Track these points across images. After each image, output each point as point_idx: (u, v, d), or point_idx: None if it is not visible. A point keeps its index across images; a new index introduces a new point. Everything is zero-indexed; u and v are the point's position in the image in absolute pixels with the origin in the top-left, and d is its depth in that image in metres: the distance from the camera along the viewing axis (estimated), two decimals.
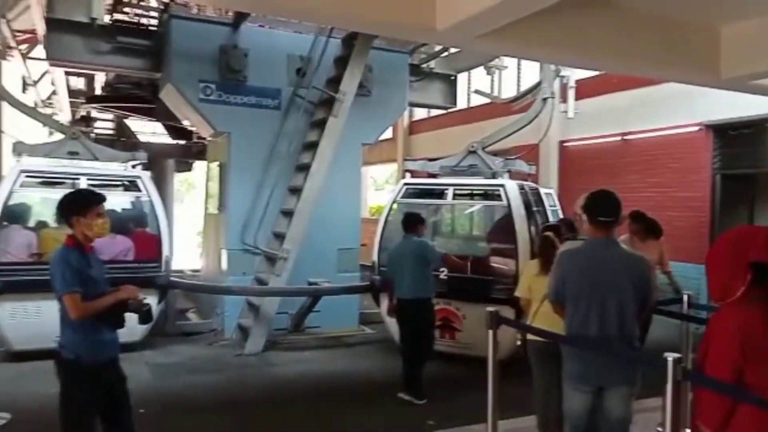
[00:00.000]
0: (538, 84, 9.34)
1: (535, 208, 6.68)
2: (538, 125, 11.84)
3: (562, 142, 11.71)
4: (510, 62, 11.49)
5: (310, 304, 7.37)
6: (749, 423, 2.13)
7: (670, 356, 2.61)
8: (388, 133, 18.45)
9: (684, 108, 9.06)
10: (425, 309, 5.54)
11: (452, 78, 10.21)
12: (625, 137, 10.32)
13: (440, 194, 7.11)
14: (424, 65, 9.78)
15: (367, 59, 7.85)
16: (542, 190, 7.43)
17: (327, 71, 7.98)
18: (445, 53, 9.81)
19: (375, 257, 7.13)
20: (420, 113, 17.78)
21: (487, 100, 12.58)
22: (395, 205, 7.34)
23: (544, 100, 7.30)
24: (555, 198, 7.59)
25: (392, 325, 6.75)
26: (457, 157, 7.33)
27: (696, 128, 9.13)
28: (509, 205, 6.35)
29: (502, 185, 6.58)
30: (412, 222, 5.74)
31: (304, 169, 7.51)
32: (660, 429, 3.60)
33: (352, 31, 7.59)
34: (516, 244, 6.18)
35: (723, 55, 5.53)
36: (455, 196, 7.03)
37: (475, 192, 7.30)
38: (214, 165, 8.46)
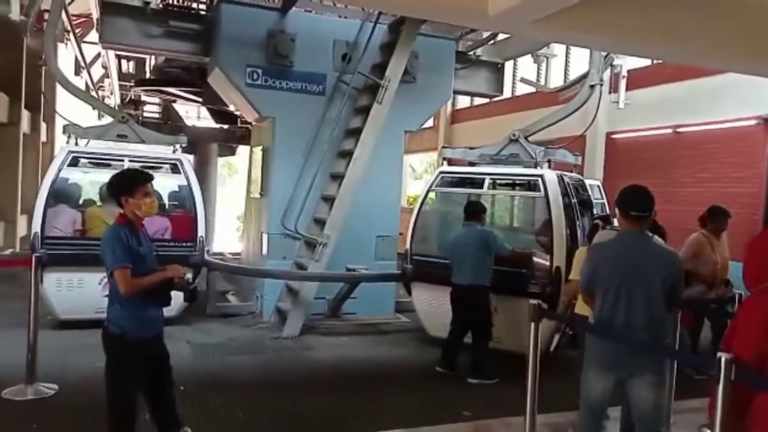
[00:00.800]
0: (587, 73, 9.14)
1: (575, 200, 6.42)
2: (585, 115, 11.65)
3: (610, 133, 11.40)
4: (559, 51, 11.21)
5: (347, 290, 7.39)
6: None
7: (724, 356, 2.51)
8: (429, 122, 18.38)
9: (741, 100, 8.71)
10: (482, 296, 5.72)
11: (499, 66, 10.01)
12: (677, 130, 9.97)
13: (477, 184, 6.94)
14: (471, 53, 9.61)
15: (413, 46, 7.78)
16: (588, 182, 7.21)
17: (373, 57, 7.93)
18: (492, 41, 9.61)
19: (408, 245, 7.07)
20: (463, 102, 17.58)
21: (532, 89, 12.33)
22: (432, 194, 7.25)
23: (592, 87, 7.00)
24: (601, 190, 7.37)
25: (426, 316, 6.81)
26: (498, 146, 7.15)
27: (754, 122, 8.75)
28: (546, 196, 6.11)
29: (540, 175, 6.33)
30: (474, 210, 5.93)
31: (347, 155, 7.50)
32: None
33: (400, 17, 7.52)
34: (552, 236, 5.97)
35: None
36: (492, 185, 6.87)
37: (513, 182, 7.10)
38: (258, 149, 8.53)
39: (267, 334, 7.06)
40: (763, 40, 5.08)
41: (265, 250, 7.90)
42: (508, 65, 13.44)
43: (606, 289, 3.24)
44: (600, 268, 3.32)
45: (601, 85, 6.95)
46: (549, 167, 6.70)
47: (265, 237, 7.93)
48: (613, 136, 11.36)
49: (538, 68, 12.31)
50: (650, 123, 10.43)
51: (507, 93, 14.52)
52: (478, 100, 16.28)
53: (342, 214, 7.30)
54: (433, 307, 6.59)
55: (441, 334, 6.10)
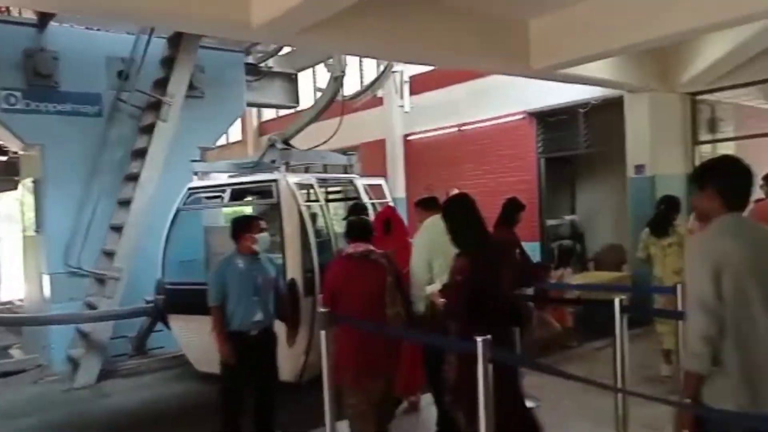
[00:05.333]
0: (376, 80, 9.56)
1: (322, 203, 5.95)
2: (386, 120, 12.26)
3: (406, 135, 12.07)
4: (352, 60, 11.57)
5: (148, 324, 6.83)
6: None
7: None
8: (237, 135, 17.94)
9: (510, 98, 9.72)
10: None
11: (293, 76, 10.05)
12: (461, 128, 10.86)
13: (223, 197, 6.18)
14: (262, 64, 9.52)
15: (198, 59, 7.46)
16: (362, 182, 6.68)
17: (154, 73, 7.45)
18: (283, 51, 9.62)
19: (160, 273, 6.27)
20: (270, 113, 17.41)
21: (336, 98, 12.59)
22: (183, 214, 6.35)
23: (335, 79, 6.83)
24: (385, 189, 7.11)
25: (190, 349, 6.19)
26: (258, 153, 6.77)
27: (521, 116, 9.84)
28: (279, 202, 5.49)
29: (275, 180, 5.67)
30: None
31: (134, 179, 6.94)
32: None
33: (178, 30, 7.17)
34: (283, 242, 5.38)
35: (532, 46, 5.95)
36: (236, 196, 6.14)
37: (253, 190, 6.34)
38: (28, 181, 7.55)
39: (58, 388, 6.26)
40: (504, 44, 5.77)
41: (47, 293, 7.00)
42: (309, 75, 13.68)
43: None
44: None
45: (343, 75, 6.84)
46: (287, 170, 6.04)
47: (46, 278, 7.03)
48: (409, 138, 12.05)
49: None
50: (439, 123, 11.23)
51: (310, 102, 14.75)
52: (284, 111, 16.22)
53: (133, 243, 6.73)
54: (195, 339, 5.89)
55: (209, 369, 5.33)
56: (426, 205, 4.52)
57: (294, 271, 5.25)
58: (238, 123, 16.41)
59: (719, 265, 2.21)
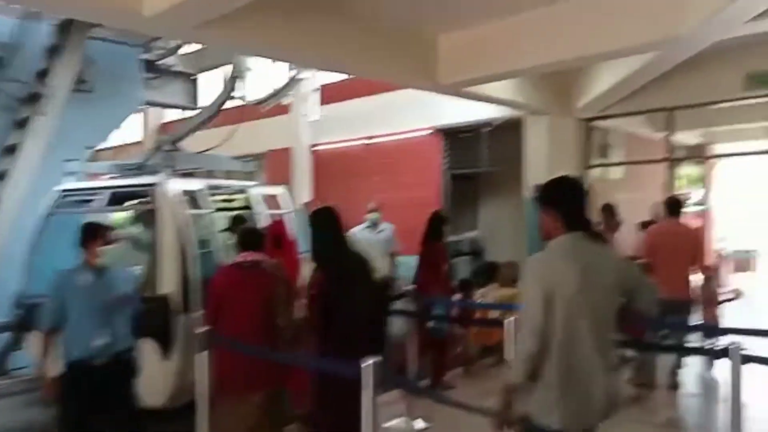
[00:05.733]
0: (284, 86, 9.31)
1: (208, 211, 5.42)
2: (292, 129, 11.96)
3: (313, 145, 11.86)
4: (261, 63, 11.23)
5: (11, 342, 6.08)
6: None
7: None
8: (139, 135, 16.88)
9: (418, 113, 9.80)
10: None
11: (192, 77, 9.58)
12: (369, 141, 10.83)
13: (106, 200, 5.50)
14: (162, 62, 8.99)
15: (90, 50, 6.90)
16: (259, 191, 6.19)
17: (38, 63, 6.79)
18: (184, 50, 9.15)
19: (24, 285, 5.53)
20: (175, 114, 16.56)
21: (241, 103, 12.17)
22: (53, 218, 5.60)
23: (233, 78, 6.67)
24: (285, 199, 6.54)
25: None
26: (144, 155, 6.33)
27: (428, 132, 9.96)
28: (155, 209, 4.93)
29: (154, 184, 5.09)
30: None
31: (2, 177, 6.25)
32: None
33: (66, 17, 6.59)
34: (158, 252, 4.77)
35: (440, 62, 6.01)
36: (113, 201, 5.50)
37: (134, 194, 5.67)
38: None
39: None
40: (412, 58, 5.77)
41: None
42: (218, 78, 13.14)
43: None
44: None
45: (242, 78, 6.57)
46: (172, 174, 5.60)
47: None
48: (316, 148, 11.85)
49: (243, 81, 12.23)
50: (347, 135, 11.13)
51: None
52: (191, 112, 15.48)
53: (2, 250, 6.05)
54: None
55: None
56: None
57: (169, 285, 4.64)
58: (139, 123, 15.54)
59: (551, 285, 2.31)
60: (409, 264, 8.71)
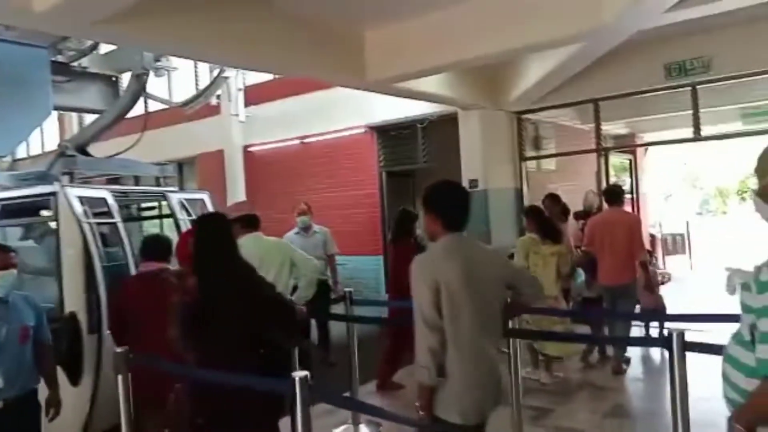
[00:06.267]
0: (208, 87, 8.94)
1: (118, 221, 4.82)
2: (224, 130, 11.55)
3: (247, 146, 11.50)
4: (185, 64, 10.77)
5: None
6: None
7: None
8: (54, 143, 15.96)
9: (351, 111, 9.62)
10: None
11: (114, 79, 9.04)
12: (304, 140, 10.57)
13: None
14: (76, 63, 8.43)
15: None
16: (179, 196, 5.61)
17: None
18: (94, 50, 8.61)
19: None
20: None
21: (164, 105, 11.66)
22: None
23: (137, 77, 6.23)
24: (209, 204, 5.97)
25: None
26: (47, 163, 5.68)
27: (362, 130, 9.79)
28: (57, 219, 4.41)
29: (51, 194, 4.50)
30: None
31: None
32: None
33: None
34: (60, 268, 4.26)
35: (368, 58, 5.86)
36: (8, 214, 4.93)
37: (32, 206, 4.94)
38: None
39: None
40: (339, 54, 5.58)
41: None
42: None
43: None
44: None
45: (146, 73, 6.16)
46: (71, 181, 4.99)
47: None
48: (250, 149, 11.50)
49: (168, 82, 11.74)
50: (282, 135, 10.83)
51: (143, 108, 13.57)
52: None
53: None
54: None
55: None
56: (246, 223, 4.13)
57: (75, 302, 4.16)
58: (54, 130, 14.69)
59: (437, 283, 2.44)
60: (361, 264, 8.49)
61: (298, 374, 2.39)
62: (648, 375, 5.93)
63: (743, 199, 26.39)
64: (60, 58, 8.15)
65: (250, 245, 3.84)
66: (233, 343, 2.75)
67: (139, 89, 5.87)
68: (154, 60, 9.33)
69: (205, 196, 5.44)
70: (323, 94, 9.75)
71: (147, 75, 5.95)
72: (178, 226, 4.95)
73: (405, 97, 7.17)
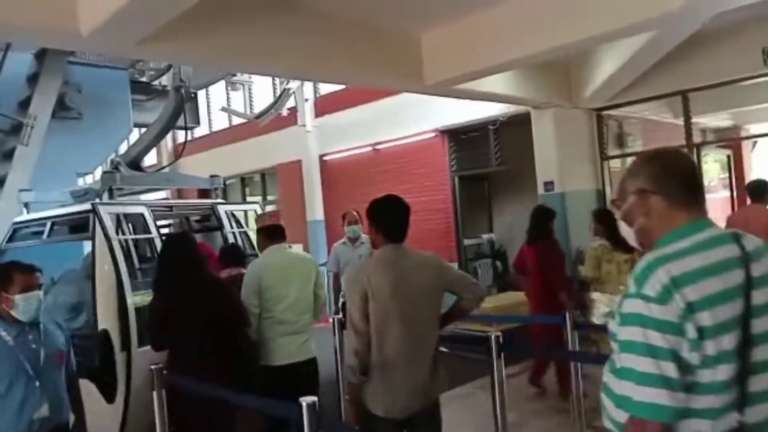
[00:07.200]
0: (279, 97, 9.10)
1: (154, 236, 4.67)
2: (301, 140, 11.76)
3: (322, 155, 11.60)
4: (258, 77, 11.04)
5: None
6: None
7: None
8: (152, 159, 16.98)
9: (421, 115, 9.41)
10: None
11: (192, 95, 9.41)
12: (376, 147, 10.49)
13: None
14: (156, 82, 8.86)
15: (73, 76, 6.81)
16: (228, 208, 5.48)
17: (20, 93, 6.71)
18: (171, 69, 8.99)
19: None
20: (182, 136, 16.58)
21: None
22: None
23: (176, 89, 6.18)
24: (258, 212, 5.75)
25: None
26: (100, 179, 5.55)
27: (433, 134, 9.55)
28: (93, 237, 4.26)
29: (92, 211, 4.41)
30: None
31: None
32: None
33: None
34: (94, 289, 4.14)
35: (425, 61, 5.64)
36: (53, 231, 4.86)
37: (77, 223, 4.80)
38: None
39: None
40: (396, 59, 5.40)
41: None
42: (218, 95, 13.06)
43: None
44: None
45: (183, 84, 6.16)
46: (111, 197, 5.03)
47: None
48: (325, 158, 11.58)
49: (244, 95, 12.13)
50: (354, 143, 10.81)
51: (224, 124, 14.14)
52: (198, 132, 15.52)
53: None
54: None
55: None
56: (268, 234, 4.01)
57: (107, 319, 4.04)
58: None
59: (365, 293, 2.68)
60: None
61: (306, 400, 2.27)
62: None
63: None
64: (140, 78, 8.64)
65: (270, 256, 3.84)
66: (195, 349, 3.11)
67: (180, 102, 6.00)
68: (230, 75, 9.66)
69: (256, 207, 5.42)
70: (393, 100, 9.61)
71: (186, 88, 6.07)
72: (225, 239, 4.95)
73: (469, 98, 6.89)
